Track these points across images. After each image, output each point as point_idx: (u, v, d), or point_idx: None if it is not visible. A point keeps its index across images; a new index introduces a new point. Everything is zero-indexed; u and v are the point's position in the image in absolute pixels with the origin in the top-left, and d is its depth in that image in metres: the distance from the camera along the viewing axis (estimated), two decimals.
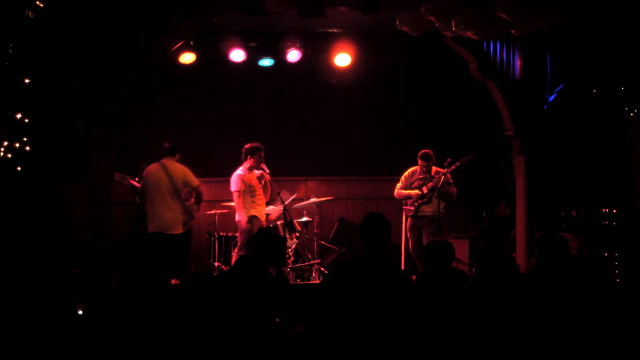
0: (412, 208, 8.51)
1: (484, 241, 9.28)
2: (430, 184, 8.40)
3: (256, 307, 4.32)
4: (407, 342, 4.27)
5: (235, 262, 4.79)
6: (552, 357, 4.38)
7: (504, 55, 8.38)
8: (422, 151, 8.48)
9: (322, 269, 8.41)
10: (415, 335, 4.31)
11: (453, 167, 8.36)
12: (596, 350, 4.44)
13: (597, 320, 4.55)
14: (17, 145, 6.47)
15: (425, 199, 8.44)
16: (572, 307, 4.52)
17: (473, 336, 4.40)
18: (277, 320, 4.48)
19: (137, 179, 8.22)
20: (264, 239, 4.62)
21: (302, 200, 9.29)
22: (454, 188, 8.52)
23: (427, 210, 8.45)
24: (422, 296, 4.57)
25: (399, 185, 8.69)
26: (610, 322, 4.65)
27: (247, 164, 8.27)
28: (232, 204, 8.39)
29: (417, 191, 8.48)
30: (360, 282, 4.33)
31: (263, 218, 8.38)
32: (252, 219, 8.14)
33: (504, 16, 6.77)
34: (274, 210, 8.63)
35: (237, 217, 8.22)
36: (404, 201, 8.66)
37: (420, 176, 8.53)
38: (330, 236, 9.72)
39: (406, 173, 8.66)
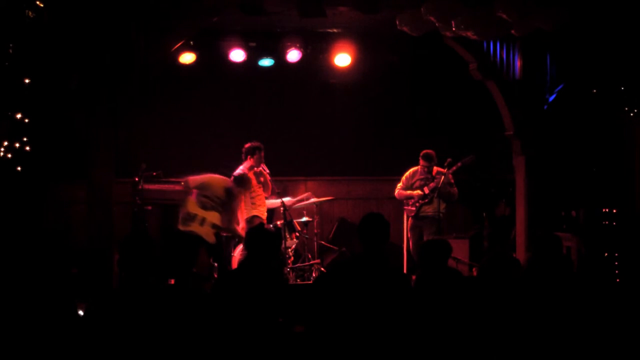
0: (414, 209, 8.53)
1: (489, 241, 9.30)
2: (432, 185, 8.42)
3: (257, 307, 4.32)
4: (406, 341, 4.27)
5: (239, 263, 4.79)
6: (549, 356, 4.38)
7: (504, 55, 8.38)
8: (424, 151, 8.50)
9: (322, 269, 8.40)
10: (413, 335, 4.31)
11: (454, 168, 8.38)
12: (595, 350, 4.43)
13: (594, 319, 4.55)
14: (17, 145, 6.47)
15: (427, 200, 8.46)
16: (565, 305, 4.52)
17: (472, 336, 4.40)
18: (280, 320, 4.47)
19: (136, 179, 8.22)
20: (259, 237, 4.58)
21: (302, 200, 9.29)
22: (455, 188, 8.53)
23: (428, 210, 8.47)
24: (419, 296, 4.57)
25: (399, 185, 8.70)
26: (610, 323, 4.65)
27: (247, 163, 8.27)
28: None
29: (418, 191, 8.49)
30: (359, 282, 4.33)
31: (264, 217, 8.38)
32: (253, 218, 8.14)
33: (504, 16, 6.77)
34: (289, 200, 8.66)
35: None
36: (405, 201, 8.67)
37: (422, 177, 8.55)
38: (330, 236, 9.72)
39: (407, 173, 8.67)
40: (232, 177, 7.91)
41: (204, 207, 7.69)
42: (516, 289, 4.58)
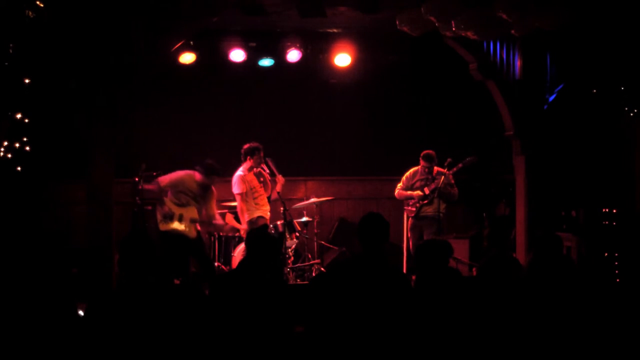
0: (414, 209, 8.53)
1: (489, 241, 9.28)
2: (432, 185, 8.42)
3: (256, 307, 4.32)
4: (406, 342, 4.27)
5: (238, 264, 4.81)
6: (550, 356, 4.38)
7: (504, 55, 8.38)
8: (425, 152, 8.49)
9: (322, 269, 8.41)
10: (413, 335, 4.31)
11: (455, 169, 8.39)
12: (595, 350, 4.44)
13: (595, 319, 4.55)
14: (17, 145, 6.47)
15: (427, 200, 8.46)
16: (567, 305, 4.52)
17: (472, 336, 4.40)
18: (279, 320, 4.47)
19: (136, 179, 8.20)
20: (260, 240, 4.57)
21: (302, 200, 9.29)
22: (456, 189, 8.53)
23: (429, 210, 8.48)
24: (419, 296, 4.57)
25: (399, 185, 8.70)
26: (610, 323, 4.65)
27: (246, 164, 8.27)
28: (234, 203, 8.39)
29: (419, 192, 8.49)
30: (358, 282, 4.33)
31: (268, 217, 8.38)
32: (257, 219, 8.15)
33: (504, 16, 6.77)
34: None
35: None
36: (405, 202, 8.67)
37: (422, 177, 8.55)
38: (330, 236, 9.72)
39: (407, 173, 8.67)
40: (200, 169, 7.77)
41: (180, 204, 7.70)
42: (516, 289, 4.59)
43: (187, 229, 7.66)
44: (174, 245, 7.65)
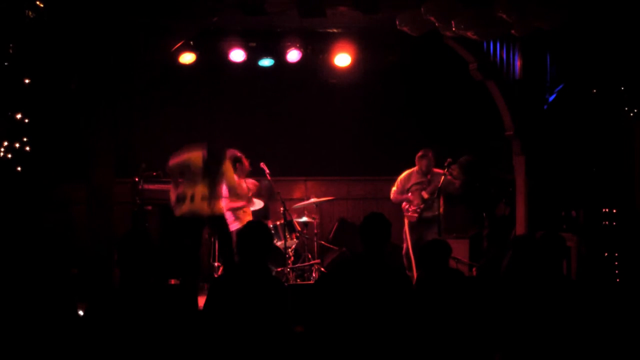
0: (415, 215, 8.50)
1: (489, 241, 9.29)
2: (429, 189, 8.40)
3: (256, 307, 4.32)
4: (407, 341, 4.27)
5: (237, 263, 4.78)
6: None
7: (504, 55, 8.37)
8: (421, 152, 8.49)
9: (322, 269, 8.41)
10: (414, 335, 4.32)
11: (455, 173, 8.40)
12: (595, 350, 4.44)
13: (589, 319, 4.55)
14: (17, 145, 6.48)
15: (428, 204, 8.45)
16: (546, 303, 4.50)
17: (471, 335, 4.41)
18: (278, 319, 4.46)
19: (136, 179, 8.21)
20: (250, 235, 4.48)
21: (302, 200, 9.29)
22: (456, 181, 8.53)
23: (428, 214, 8.47)
24: (420, 296, 4.58)
25: (394, 189, 8.66)
26: (609, 322, 4.65)
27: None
28: (235, 205, 8.39)
29: (415, 196, 8.48)
30: (360, 282, 4.33)
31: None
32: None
33: (504, 16, 6.77)
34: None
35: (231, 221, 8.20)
36: (405, 208, 8.62)
37: (417, 181, 8.53)
38: (330, 236, 9.72)
39: (401, 176, 8.64)
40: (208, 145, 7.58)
41: (192, 184, 7.43)
42: (501, 288, 4.59)
43: (200, 207, 7.32)
44: (187, 230, 7.43)
